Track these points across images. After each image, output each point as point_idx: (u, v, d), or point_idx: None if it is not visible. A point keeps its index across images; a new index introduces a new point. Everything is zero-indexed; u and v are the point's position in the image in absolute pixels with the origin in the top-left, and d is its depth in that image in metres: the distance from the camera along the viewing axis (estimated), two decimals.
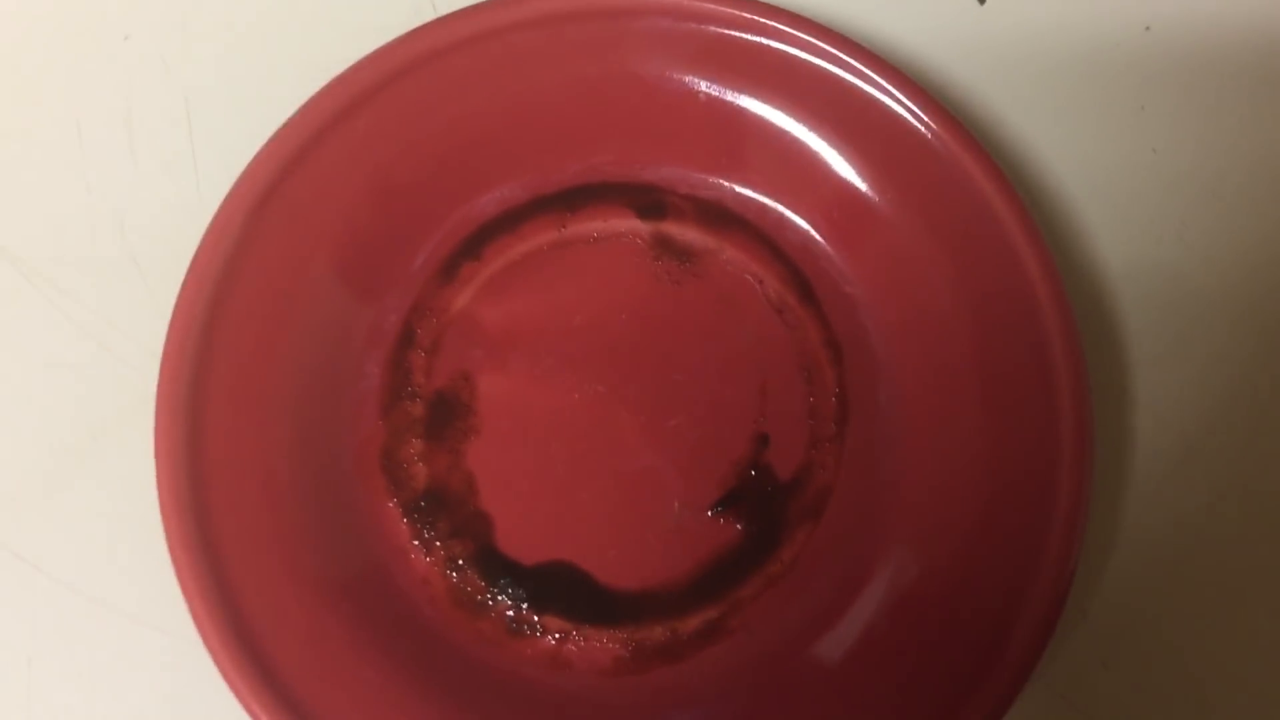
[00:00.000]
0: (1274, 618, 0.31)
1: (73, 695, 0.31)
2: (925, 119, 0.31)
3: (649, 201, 0.34)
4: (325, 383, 0.31)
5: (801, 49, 0.31)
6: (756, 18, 0.31)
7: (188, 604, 0.28)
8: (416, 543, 0.31)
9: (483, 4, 0.32)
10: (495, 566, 0.31)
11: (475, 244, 0.33)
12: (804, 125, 0.32)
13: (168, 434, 0.28)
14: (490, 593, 0.31)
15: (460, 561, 0.31)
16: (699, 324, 0.33)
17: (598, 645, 0.30)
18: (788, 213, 0.33)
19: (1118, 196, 0.35)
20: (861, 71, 0.31)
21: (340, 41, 0.33)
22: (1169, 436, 0.33)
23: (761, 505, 0.31)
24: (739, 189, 0.34)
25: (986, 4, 0.37)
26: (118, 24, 0.36)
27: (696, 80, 0.33)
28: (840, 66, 0.31)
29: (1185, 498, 0.32)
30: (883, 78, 0.31)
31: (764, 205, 0.33)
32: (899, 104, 0.31)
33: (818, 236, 0.33)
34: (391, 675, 0.29)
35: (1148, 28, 0.36)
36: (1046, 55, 0.36)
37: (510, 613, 0.31)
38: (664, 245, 0.33)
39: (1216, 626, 0.31)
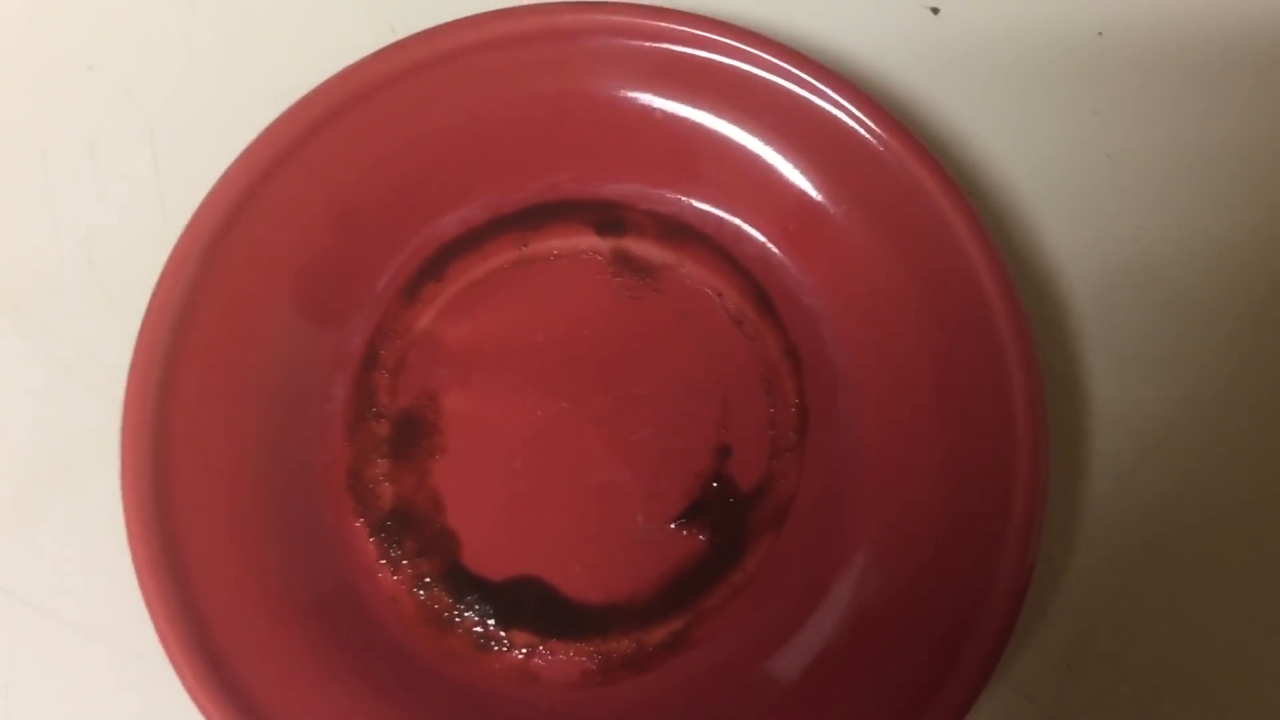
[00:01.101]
0: (1232, 616, 0.32)
1: (47, 718, 0.31)
2: (876, 130, 0.31)
3: (608, 218, 0.34)
4: (290, 405, 0.32)
5: (753, 65, 0.32)
6: (709, 35, 0.32)
7: (155, 626, 0.28)
8: (384, 561, 0.31)
9: (440, 27, 0.32)
10: (462, 583, 0.31)
11: (437, 265, 0.34)
12: (759, 139, 0.33)
13: (133, 460, 0.29)
14: (458, 609, 0.31)
15: (427, 579, 0.31)
16: (660, 338, 0.33)
17: (565, 659, 0.31)
18: (745, 226, 0.34)
19: (1073, 200, 0.35)
20: (812, 85, 0.31)
21: (301, 66, 0.34)
22: (1126, 438, 0.33)
23: (724, 516, 0.32)
24: (696, 204, 0.34)
25: (941, 13, 0.37)
26: (81, 54, 0.37)
27: (652, 98, 0.33)
28: (792, 81, 0.32)
29: (1143, 499, 0.32)
30: (834, 90, 0.31)
31: (721, 219, 0.34)
32: (850, 116, 0.31)
33: (775, 249, 0.33)
34: (361, 693, 0.29)
35: (1100, 33, 0.37)
36: (1000, 62, 0.37)
37: (478, 628, 0.31)
38: (624, 261, 0.34)
39: (1176, 626, 0.32)
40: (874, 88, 0.35)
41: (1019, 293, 0.30)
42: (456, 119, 0.33)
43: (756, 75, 0.32)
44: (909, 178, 0.31)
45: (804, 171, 0.33)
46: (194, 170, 0.34)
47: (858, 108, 0.31)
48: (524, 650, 0.31)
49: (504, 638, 0.31)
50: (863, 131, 0.31)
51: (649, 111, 0.33)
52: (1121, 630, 0.32)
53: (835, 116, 0.32)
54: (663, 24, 0.32)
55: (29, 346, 0.34)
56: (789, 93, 0.32)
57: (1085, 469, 0.33)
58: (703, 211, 0.34)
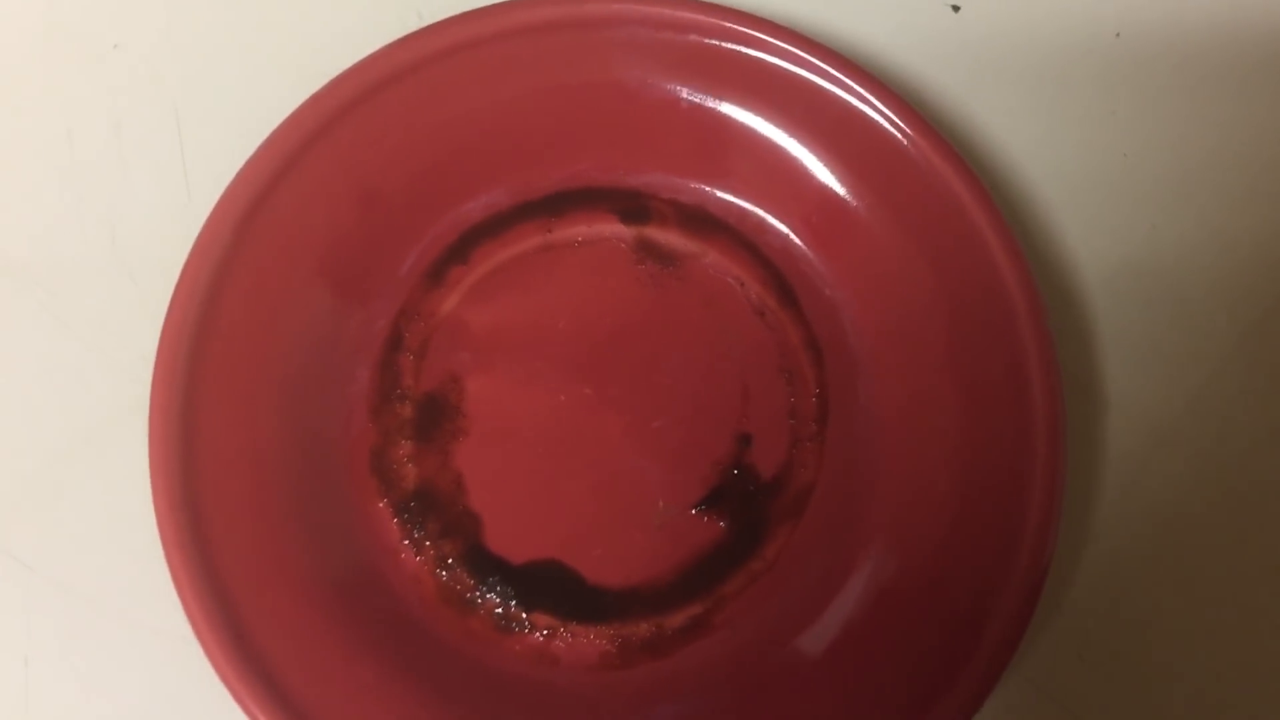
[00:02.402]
0: (1245, 608, 0.32)
1: (70, 694, 0.31)
2: (902, 126, 0.31)
3: (632, 206, 0.34)
4: (316, 386, 0.32)
5: (781, 57, 0.32)
6: (736, 26, 0.32)
7: (183, 604, 0.28)
8: (407, 542, 0.32)
9: (468, 14, 0.33)
10: (484, 565, 0.31)
11: (462, 248, 0.34)
12: (784, 132, 0.33)
13: (161, 438, 0.29)
14: (479, 591, 0.31)
15: (450, 560, 0.31)
16: (682, 326, 0.34)
17: (585, 641, 0.31)
18: (768, 217, 0.34)
19: (1090, 199, 0.36)
20: (840, 79, 0.32)
21: (327, 49, 0.34)
22: (1141, 433, 0.33)
23: (744, 504, 0.32)
24: (720, 194, 0.34)
25: (961, 11, 0.38)
26: (107, 33, 0.37)
27: (678, 88, 0.33)
28: (819, 75, 0.32)
29: (1157, 492, 0.33)
30: (861, 85, 0.32)
31: (745, 210, 0.34)
32: (876, 111, 0.32)
33: (798, 240, 0.34)
34: (383, 672, 0.29)
35: (1118, 34, 0.37)
36: (1019, 61, 0.37)
37: (499, 610, 0.31)
38: (647, 249, 0.34)
39: (1190, 617, 0.32)
40: (894, 83, 0.35)
41: (1039, 288, 0.31)
42: (483, 105, 0.33)
43: (782, 67, 0.32)
44: (933, 173, 0.31)
45: (828, 165, 0.33)
46: (218, 150, 0.34)
47: (883, 103, 0.32)
48: (544, 632, 0.31)
49: (524, 619, 0.31)
50: (888, 126, 0.32)
51: (674, 101, 0.33)
52: (1134, 622, 0.32)
53: (861, 111, 0.32)
54: (689, 15, 0.32)
55: (52, 323, 0.34)
56: (815, 86, 0.32)
57: (1100, 462, 0.33)
58: (726, 202, 0.34)
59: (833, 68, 0.32)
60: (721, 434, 0.33)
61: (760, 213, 0.34)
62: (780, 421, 0.33)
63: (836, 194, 0.33)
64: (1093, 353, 0.34)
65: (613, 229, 0.34)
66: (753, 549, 0.32)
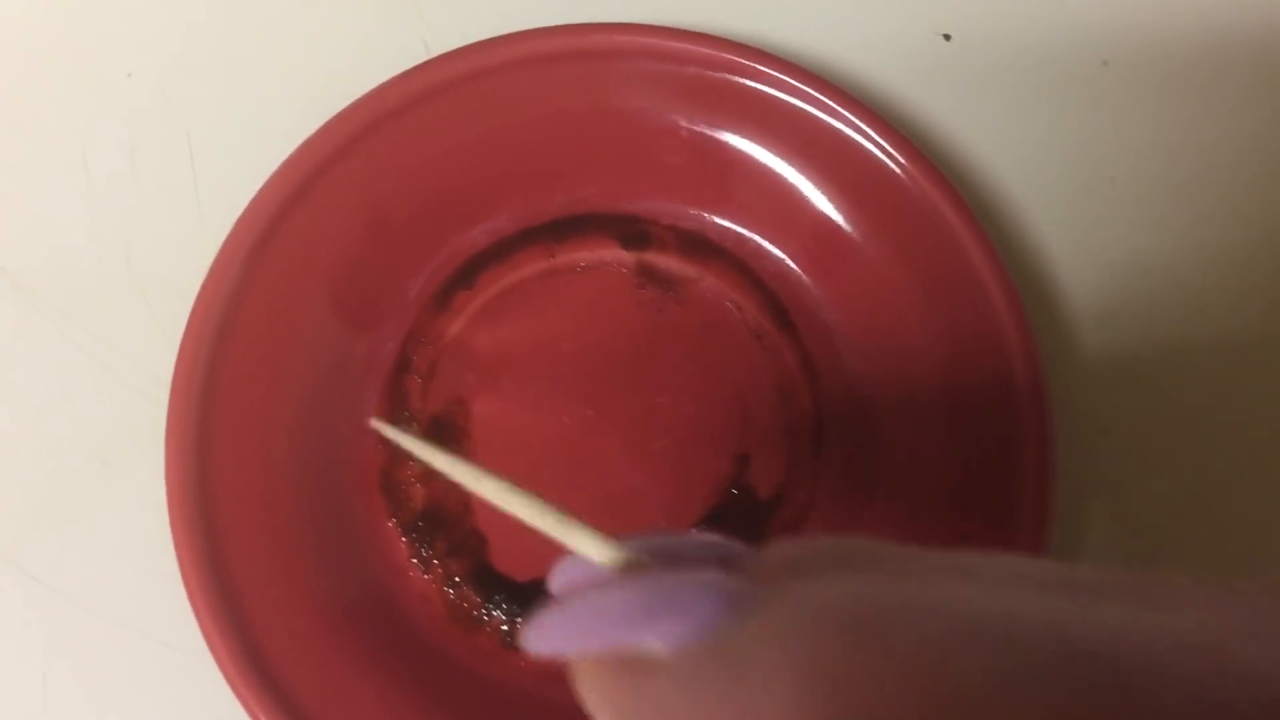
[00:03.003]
0: None
1: (87, 710, 0.32)
2: (897, 156, 0.33)
3: (633, 232, 0.35)
4: (326, 408, 0.33)
5: (778, 89, 0.33)
6: (736, 59, 0.33)
7: (199, 622, 0.29)
8: (415, 561, 0.32)
9: (474, 45, 0.34)
10: (490, 583, 0.32)
11: (468, 273, 0.35)
12: (781, 160, 0.34)
13: (177, 458, 0.30)
14: (485, 608, 0.32)
15: (457, 578, 0.32)
16: (681, 349, 0.34)
17: None
18: (765, 243, 0.35)
19: (1077, 221, 0.37)
20: (836, 110, 0.33)
21: (335, 79, 0.35)
22: (1131, 455, 0.34)
23: (743, 523, 0.33)
24: (718, 220, 0.35)
25: (952, 39, 0.39)
26: (121, 61, 0.38)
27: (678, 117, 0.34)
28: (816, 106, 0.33)
29: (1148, 514, 0.34)
30: (857, 116, 0.33)
31: (742, 235, 0.35)
32: (871, 141, 0.33)
33: (794, 266, 0.35)
34: (392, 687, 0.30)
35: (1105, 62, 0.38)
36: (1009, 87, 0.38)
37: (505, 627, 0.32)
38: (647, 274, 0.35)
39: None
40: (887, 110, 0.36)
41: (1028, 314, 0.32)
42: (489, 134, 0.34)
43: (780, 99, 0.33)
44: (926, 201, 0.32)
45: (824, 193, 0.34)
46: (230, 176, 0.35)
47: (878, 133, 0.33)
48: None
49: None
50: (882, 156, 0.33)
51: (675, 130, 0.34)
52: None
53: (856, 141, 0.33)
54: (690, 47, 0.33)
55: (67, 345, 0.35)
56: (812, 117, 0.33)
57: (1091, 484, 0.34)
58: (724, 228, 0.35)
59: (829, 99, 0.33)
60: (721, 454, 0.34)
61: (757, 239, 0.35)
62: (778, 441, 0.34)
63: (832, 221, 0.34)
64: (1081, 374, 0.35)
65: (614, 254, 0.35)
66: None
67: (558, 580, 0.19)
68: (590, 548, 0.18)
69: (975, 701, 0.13)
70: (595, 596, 0.17)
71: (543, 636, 0.18)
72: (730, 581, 0.16)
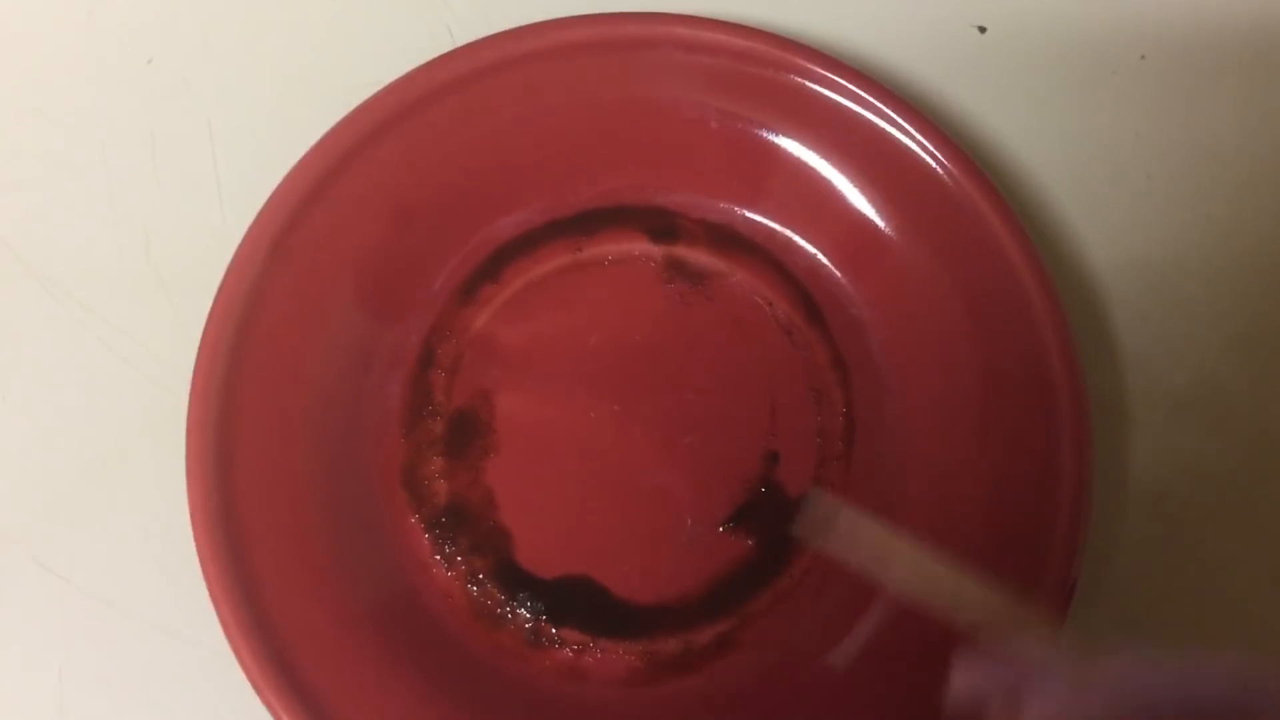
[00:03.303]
0: (1272, 624, 0.33)
1: (102, 705, 0.32)
2: (934, 151, 0.32)
3: (661, 225, 0.35)
4: (349, 402, 0.32)
5: (814, 81, 0.33)
6: (770, 50, 0.33)
7: (219, 618, 0.28)
8: (438, 557, 0.32)
9: (500, 34, 0.33)
10: (514, 580, 0.32)
11: (494, 266, 0.34)
12: (816, 154, 0.33)
13: (199, 452, 0.29)
14: (509, 606, 0.32)
15: (480, 575, 0.32)
16: (710, 345, 0.34)
17: (614, 657, 0.31)
18: (796, 238, 0.34)
19: (1114, 218, 0.36)
20: (874, 105, 0.32)
21: (359, 68, 0.35)
22: (1167, 449, 0.34)
23: (772, 521, 0.32)
24: (749, 214, 0.35)
25: (988, 32, 0.38)
26: (142, 48, 0.37)
27: (709, 109, 0.34)
28: (852, 99, 0.32)
29: (1184, 509, 0.33)
30: (895, 111, 0.32)
31: (772, 230, 0.35)
32: (908, 136, 0.32)
33: (826, 261, 0.34)
34: (414, 685, 0.30)
35: (1143, 56, 0.38)
36: (1045, 81, 0.38)
37: (529, 625, 0.32)
38: (676, 268, 0.34)
39: (1215, 635, 0.32)
40: (921, 103, 0.36)
41: (1066, 313, 0.31)
42: (516, 124, 0.34)
43: (815, 91, 0.33)
44: (964, 199, 0.32)
45: (859, 188, 0.33)
46: (251, 165, 0.35)
47: (917, 129, 0.32)
48: (574, 648, 0.31)
49: (554, 635, 0.31)
50: (921, 152, 0.32)
51: (706, 122, 0.34)
52: (1159, 639, 0.32)
53: (894, 137, 0.32)
54: (723, 38, 0.33)
55: (86, 335, 0.34)
56: (848, 110, 0.33)
57: (1126, 480, 0.33)
58: (754, 222, 0.35)
59: (865, 91, 0.32)
60: (749, 452, 0.33)
61: (788, 233, 0.34)
62: (808, 440, 0.33)
63: (867, 217, 0.33)
64: (1118, 373, 0.34)
65: (642, 248, 0.35)
66: (780, 567, 0.32)
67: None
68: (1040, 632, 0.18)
69: None
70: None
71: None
72: None
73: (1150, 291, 0.35)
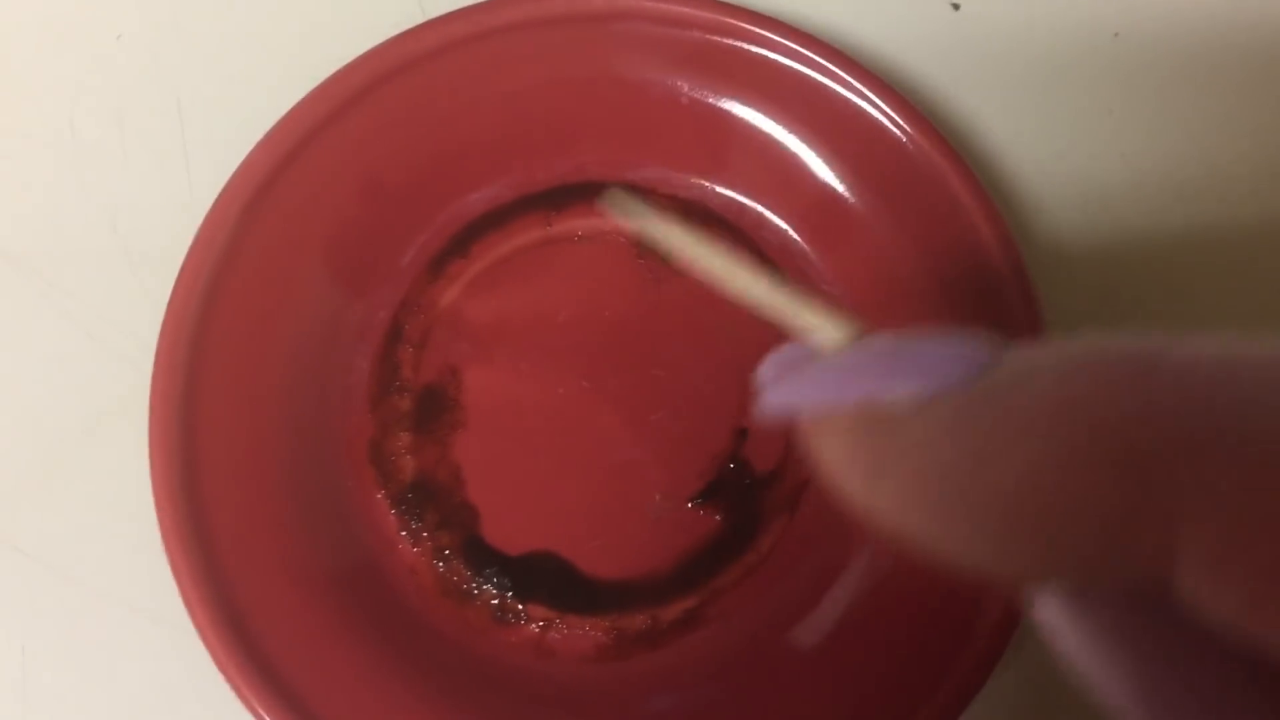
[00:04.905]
0: None
1: (67, 682, 0.32)
2: (900, 123, 0.32)
3: None
4: (315, 377, 0.32)
5: (781, 54, 0.32)
6: (738, 23, 0.32)
7: (181, 593, 0.28)
8: (404, 533, 0.32)
9: (470, 8, 0.33)
10: (481, 556, 0.32)
11: (463, 241, 0.34)
12: (783, 127, 0.33)
13: (161, 427, 0.29)
14: (476, 582, 0.31)
15: (447, 551, 0.32)
16: (681, 321, 0.34)
17: (580, 633, 0.31)
18: (767, 213, 0.34)
19: (1087, 198, 0.36)
20: (840, 76, 0.32)
21: (328, 43, 0.34)
22: None
23: (740, 497, 0.32)
24: (719, 189, 0.34)
25: (961, 8, 0.38)
26: (110, 22, 0.37)
27: (679, 83, 0.33)
28: (819, 71, 0.32)
29: None
30: (861, 82, 0.32)
31: (743, 206, 0.34)
32: (875, 108, 0.32)
33: (796, 236, 0.34)
34: (380, 662, 0.30)
35: (1116, 34, 0.37)
36: (1018, 59, 0.37)
37: (495, 601, 0.31)
38: (646, 244, 0.34)
39: None
40: (892, 80, 0.35)
41: (1036, 288, 0.31)
42: (486, 98, 0.33)
43: (783, 64, 0.33)
44: (931, 169, 0.32)
45: (826, 161, 0.33)
46: (220, 140, 0.34)
47: (882, 99, 0.32)
48: (540, 624, 0.31)
49: (521, 611, 0.31)
50: (887, 123, 0.32)
51: (675, 96, 0.34)
52: None
53: (860, 108, 0.32)
54: (691, 10, 0.32)
55: (52, 311, 0.34)
56: (815, 82, 0.32)
57: None
58: (725, 197, 0.34)
59: (833, 64, 0.32)
60: (719, 428, 0.33)
61: (759, 208, 0.34)
62: None
63: (834, 190, 0.33)
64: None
65: (613, 223, 0.34)
66: (748, 542, 0.32)
67: (775, 363, 0.19)
68: (826, 328, 0.18)
69: None
70: (842, 356, 0.17)
71: (785, 392, 0.18)
72: (980, 352, 0.16)
73: (1120, 266, 0.35)
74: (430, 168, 0.33)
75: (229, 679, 0.28)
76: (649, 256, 0.34)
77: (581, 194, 0.34)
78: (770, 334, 0.33)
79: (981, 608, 0.29)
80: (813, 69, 0.32)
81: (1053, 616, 0.16)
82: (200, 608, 0.28)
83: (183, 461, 0.29)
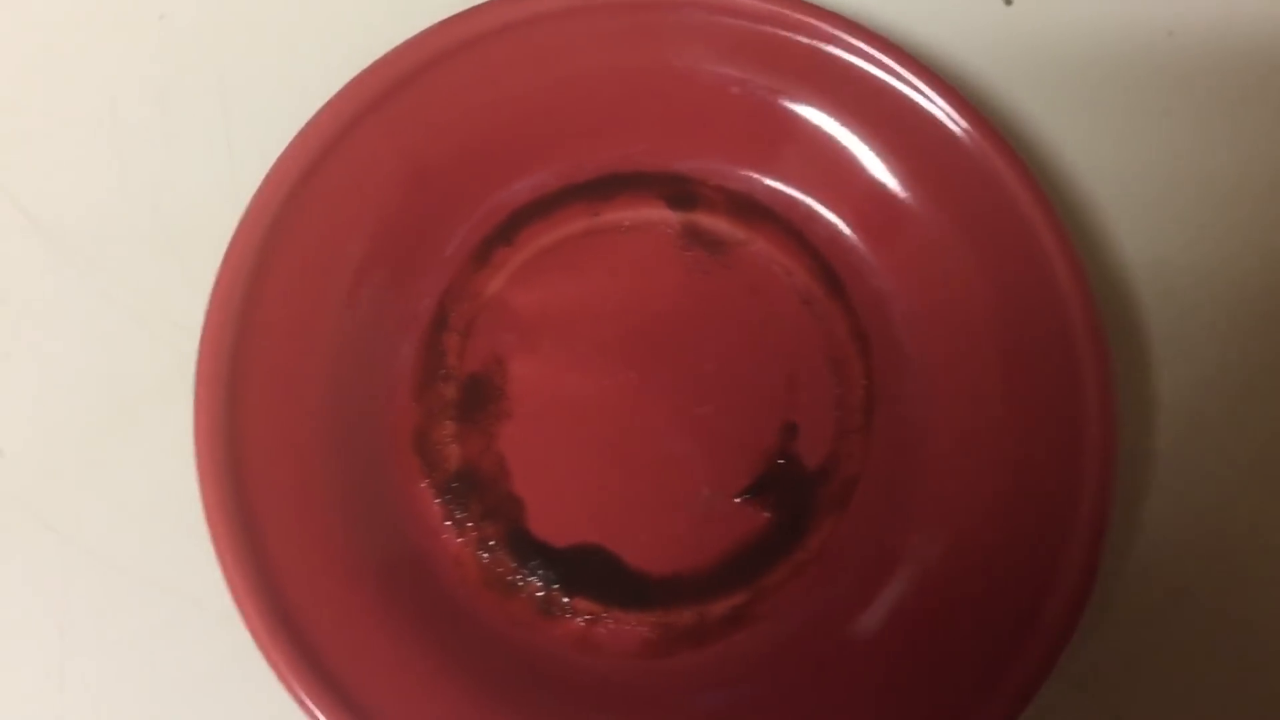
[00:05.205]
0: None
1: (103, 665, 0.31)
2: (957, 118, 0.31)
3: (680, 192, 0.34)
4: (360, 363, 0.32)
5: (836, 46, 0.32)
6: (792, 14, 0.32)
7: (226, 579, 0.28)
8: (449, 524, 0.31)
9: None
10: (526, 548, 0.31)
11: (509, 229, 0.34)
12: (837, 121, 0.33)
13: (207, 412, 0.29)
14: (521, 574, 0.31)
15: (492, 543, 0.31)
16: (728, 314, 0.33)
17: (627, 628, 0.31)
18: (817, 206, 0.34)
19: (1141, 197, 0.35)
20: (896, 71, 0.31)
21: (375, 26, 0.34)
22: (1192, 431, 0.33)
23: (789, 493, 0.32)
24: (769, 182, 0.34)
25: (1013, 5, 0.37)
26: (153, 3, 0.36)
27: (730, 74, 0.33)
28: (874, 64, 0.32)
29: (1208, 492, 0.33)
30: (917, 77, 0.31)
31: (793, 198, 0.34)
32: (932, 103, 0.31)
33: (846, 230, 0.34)
34: (423, 653, 0.29)
35: (1170, 33, 0.37)
36: (1071, 57, 0.37)
37: (540, 594, 0.31)
38: (694, 235, 0.34)
39: (1236, 620, 0.32)
40: (944, 74, 0.35)
41: (1092, 286, 0.30)
42: (534, 85, 0.33)
43: (837, 57, 0.32)
44: (987, 166, 0.31)
45: (880, 156, 0.33)
46: (262, 123, 0.34)
47: (939, 95, 0.31)
48: (586, 618, 0.31)
49: (566, 604, 0.31)
50: (944, 118, 0.31)
51: (726, 87, 0.33)
52: (1181, 624, 0.32)
53: (917, 103, 0.32)
54: (748, 1, 0.32)
55: (92, 293, 0.34)
56: (870, 76, 0.32)
57: (1151, 460, 0.33)
58: (775, 190, 0.34)
59: (889, 58, 0.31)
60: (767, 423, 0.32)
61: (809, 201, 0.34)
62: (826, 411, 0.33)
63: (888, 186, 0.33)
64: (1143, 351, 0.34)
65: (660, 214, 0.34)
66: (797, 539, 0.32)
67: None
68: None
69: None
70: None
71: None
72: None
73: (1175, 267, 0.35)
74: (477, 154, 0.33)
75: (273, 665, 0.28)
76: (696, 248, 0.34)
77: (629, 184, 0.34)
78: (818, 330, 0.33)
79: (1041, 606, 0.28)
80: (867, 61, 0.32)
81: None
82: (246, 595, 0.28)
83: (227, 450, 0.29)
